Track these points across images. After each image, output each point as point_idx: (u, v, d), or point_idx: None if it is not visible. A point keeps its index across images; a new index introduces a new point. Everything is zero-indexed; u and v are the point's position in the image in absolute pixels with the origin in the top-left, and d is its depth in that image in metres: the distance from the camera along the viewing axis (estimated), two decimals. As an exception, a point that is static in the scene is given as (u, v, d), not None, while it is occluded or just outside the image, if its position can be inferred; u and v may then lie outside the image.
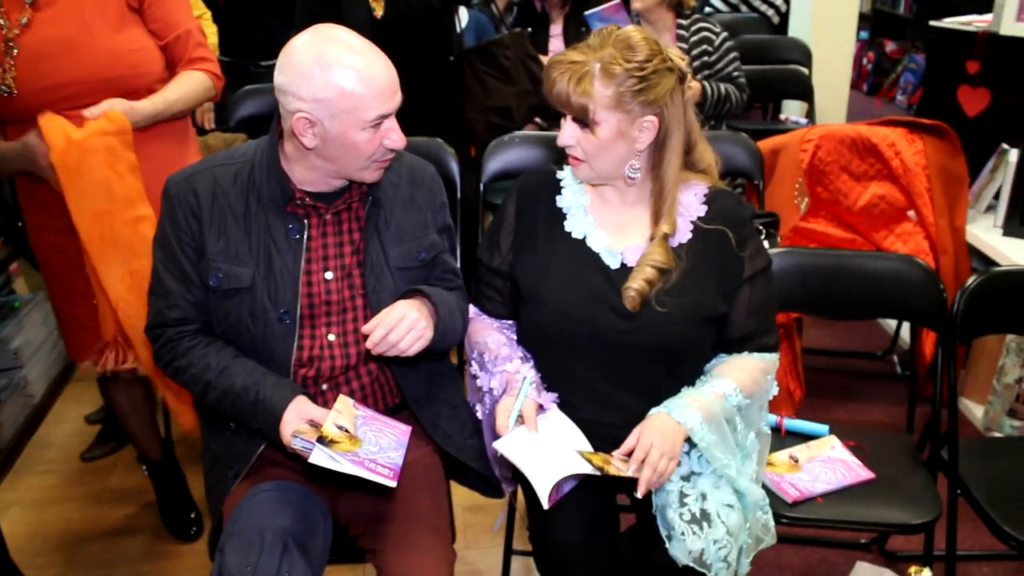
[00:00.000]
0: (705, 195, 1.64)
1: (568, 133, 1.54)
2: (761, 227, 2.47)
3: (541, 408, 1.57)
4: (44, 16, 1.83)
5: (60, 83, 1.83)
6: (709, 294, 1.59)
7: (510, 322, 1.75)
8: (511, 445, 1.49)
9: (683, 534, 1.47)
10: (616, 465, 1.46)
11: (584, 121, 1.52)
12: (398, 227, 1.61)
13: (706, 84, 3.02)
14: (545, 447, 1.50)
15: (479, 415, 1.70)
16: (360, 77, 1.41)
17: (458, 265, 1.73)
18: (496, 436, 1.52)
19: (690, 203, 1.62)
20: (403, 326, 1.46)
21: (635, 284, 1.55)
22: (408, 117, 2.47)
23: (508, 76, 2.94)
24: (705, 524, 1.48)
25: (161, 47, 1.98)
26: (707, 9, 5.20)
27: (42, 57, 1.82)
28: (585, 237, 1.63)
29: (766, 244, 2.39)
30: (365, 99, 1.42)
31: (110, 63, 1.87)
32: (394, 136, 1.49)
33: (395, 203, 1.62)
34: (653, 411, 1.53)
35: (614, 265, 1.60)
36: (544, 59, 3.90)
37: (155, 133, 1.95)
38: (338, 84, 1.41)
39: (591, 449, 1.51)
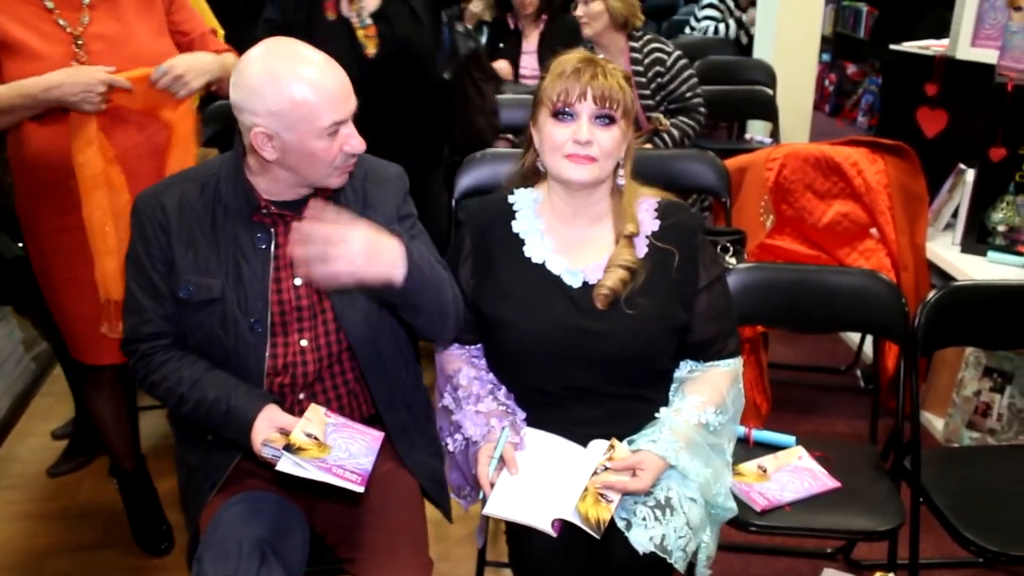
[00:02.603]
0: (656, 209, 1.69)
1: (588, 129, 1.57)
2: (729, 244, 2.52)
3: (518, 445, 1.60)
4: (97, 15, 1.92)
5: None
6: (670, 305, 1.64)
7: (479, 347, 1.77)
8: (498, 505, 1.52)
9: (644, 519, 1.49)
10: (605, 502, 1.50)
11: (610, 117, 1.57)
12: None
13: (657, 141, 3.03)
14: (532, 485, 1.54)
15: (449, 446, 1.71)
16: (311, 86, 1.43)
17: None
18: (477, 482, 1.57)
19: (643, 220, 1.67)
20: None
21: (609, 282, 1.60)
22: (407, 145, 2.44)
23: (497, 83, 2.98)
24: (668, 511, 1.51)
25: (185, 45, 2.06)
26: (693, 31, 5.32)
27: (101, 54, 1.89)
28: (544, 261, 1.66)
29: (733, 261, 2.45)
30: (318, 107, 1.44)
31: (154, 64, 1.92)
32: (353, 141, 1.50)
33: (354, 204, 1.61)
34: (647, 448, 1.56)
35: (576, 284, 1.64)
36: (505, 74, 3.94)
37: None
38: (289, 95, 1.42)
39: (582, 488, 1.53)
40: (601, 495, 1.50)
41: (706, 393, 1.65)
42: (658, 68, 3.06)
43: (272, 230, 1.57)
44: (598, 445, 1.60)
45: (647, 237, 1.66)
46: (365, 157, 1.62)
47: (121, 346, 1.62)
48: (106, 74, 1.82)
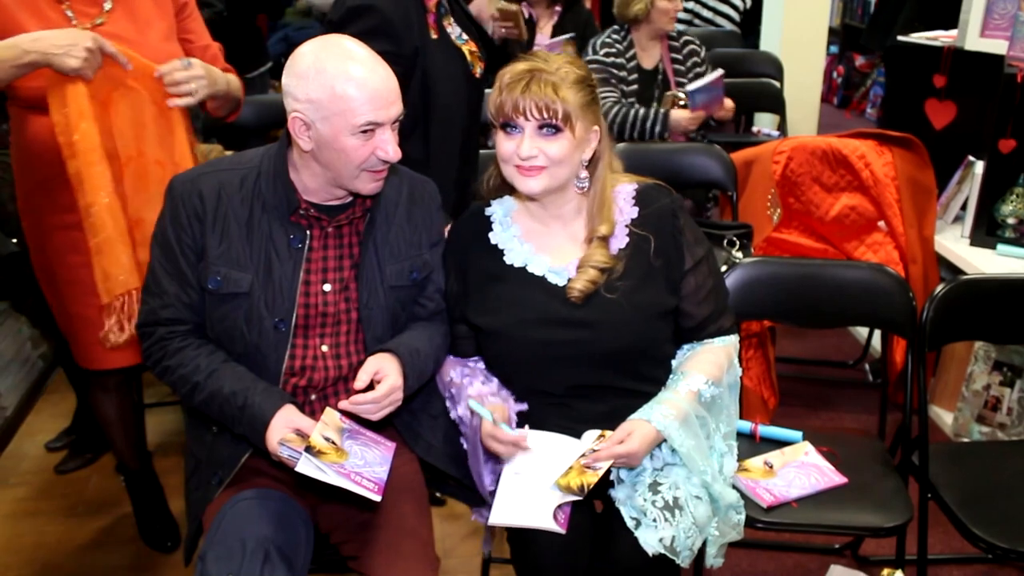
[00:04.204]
0: (634, 196, 1.69)
1: (531, 143, 1.55)
2: (735, 237, 2.51)
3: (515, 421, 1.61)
4: (114, 16, 1.90)
5: None
6: (657, 291, 1.64)
7: (477, 358, 1.76)
8: (503, 513, 1.53)
9: (655, 520, 1.49)
10: (591, 471, 1.50)
11: (555, 127, 1.54)
12: (394, 245, 1.63)
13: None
14: (533, 487, 1.54)
15: (464, 444, 1.71)
16: (354, 82, 1.43)
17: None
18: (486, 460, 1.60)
19: (622, 208, 1.67)
20: (386, 402, 1.51)
21: (579, 284, 1.61)
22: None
23: None
24: (677, 512, 1.50)
25: (187, 52, 2.02)
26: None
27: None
28: (526, 265, 1.66)
29: (740, 255, 2.44)
30: (356, 103, 1.44)
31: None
32: (388, 148, 1.49)
33: (393, 220, 1.63)
34: (635, 417, 1.57)
35: (562, 282, 1.64)
36: None
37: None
38: (331, 85, 1.43)
39: (566, 468, 1.54)
40: (587, 467, 1.50)
41: (695, 366, 1.65)
42: (695, 59, 3.41)
43: (308, 231, 1.57)
44: (591, 435, 1.60)
45: (627, 226, 1.66)
46: (404, 170, 1.64)
47: (137, 327, 1.61)
48: (98, 37, 1.74)
